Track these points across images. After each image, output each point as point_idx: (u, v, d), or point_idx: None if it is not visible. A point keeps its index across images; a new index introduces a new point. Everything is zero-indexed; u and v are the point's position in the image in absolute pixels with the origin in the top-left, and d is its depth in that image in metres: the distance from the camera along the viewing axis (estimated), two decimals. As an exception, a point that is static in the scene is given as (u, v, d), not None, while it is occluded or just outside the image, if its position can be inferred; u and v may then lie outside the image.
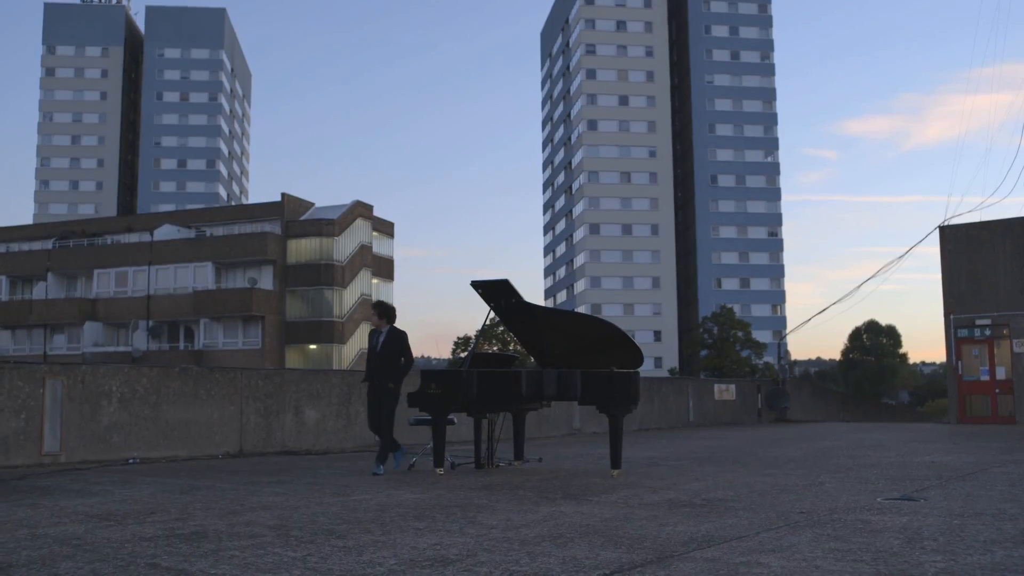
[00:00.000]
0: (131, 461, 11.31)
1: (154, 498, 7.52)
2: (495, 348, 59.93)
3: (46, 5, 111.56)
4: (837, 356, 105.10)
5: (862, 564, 4.53)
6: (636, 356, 9.54)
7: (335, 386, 14.54)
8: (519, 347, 60.18)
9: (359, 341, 58.85)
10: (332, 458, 12.44)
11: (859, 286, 42.37)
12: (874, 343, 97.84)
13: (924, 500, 7.23)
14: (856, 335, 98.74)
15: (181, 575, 4.37)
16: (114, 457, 11.40)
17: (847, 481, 8.83)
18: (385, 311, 9.82)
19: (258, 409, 13.27)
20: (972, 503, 7.01)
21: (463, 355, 68.39)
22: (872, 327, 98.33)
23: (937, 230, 23.61)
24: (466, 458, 11.12)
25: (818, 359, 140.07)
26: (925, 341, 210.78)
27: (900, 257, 45.08)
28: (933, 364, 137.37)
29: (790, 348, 44.28)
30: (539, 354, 10.22)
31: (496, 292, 9.70)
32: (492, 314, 10.15)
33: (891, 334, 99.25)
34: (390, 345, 9.70)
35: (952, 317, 22.90)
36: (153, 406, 12.00)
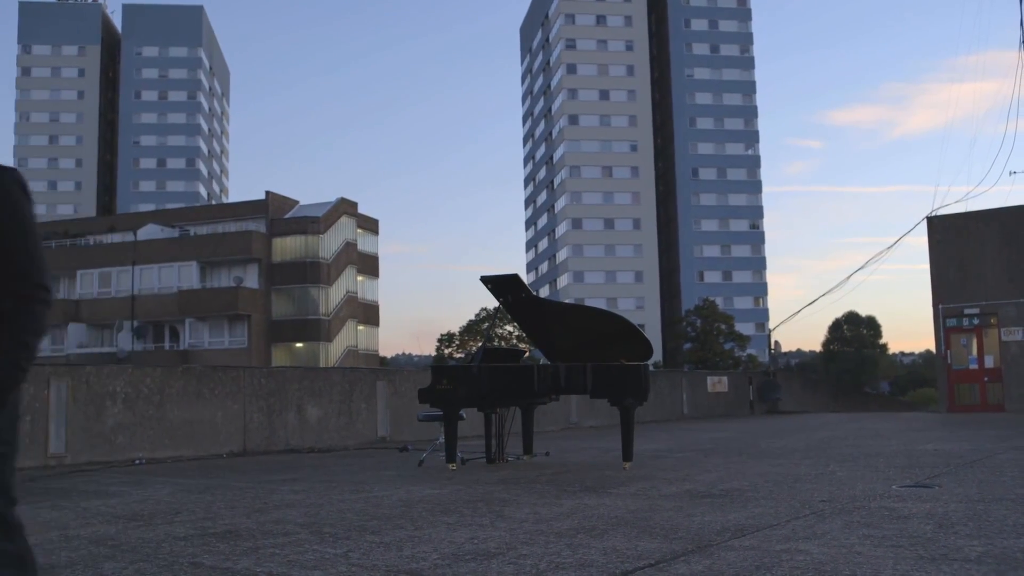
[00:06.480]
0: (137, 462, 11.27)
1: (174, 498, 7.51)
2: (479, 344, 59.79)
3: (21, 4, 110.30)
4: (817, 347, 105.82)
5: (901, 549, 4.59)
6: (645, 349, 9.61)
7: (336, 384, 14.53)
8: (504, 343, 60.19)
9: (346, 339, 58.68)
10: (337, 456, 12.42)
11: (848, 277, 42.80)
12: (854, 334, 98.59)
13: (939, 487, 7.33)
14: (836, 326, 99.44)
15: (227, 574, 4.38)
16: (119, 458, 11.35)
17: (857, 470, 8.93)
18: None
19: (261, 407, 13.24)
20: (988, 489, 7.11)
21: (447, 352, 68.33)
22: (852, 318, 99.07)
23: (925, 221, 23.84)
24: (474, 453, 11.15)
25: (798, 351, 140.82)
26: (904, 331, 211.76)
27: (890, 247, 45.66)
28: (912, 354, 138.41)
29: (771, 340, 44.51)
30: (548, 348, 10.26)
31: (505, 287, 9.75)
32: (496, 308, 10.19)
33: (871, 325, 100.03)
34: None
35: (941, 307, 23.12)
36: (157, 406, 11.96)
